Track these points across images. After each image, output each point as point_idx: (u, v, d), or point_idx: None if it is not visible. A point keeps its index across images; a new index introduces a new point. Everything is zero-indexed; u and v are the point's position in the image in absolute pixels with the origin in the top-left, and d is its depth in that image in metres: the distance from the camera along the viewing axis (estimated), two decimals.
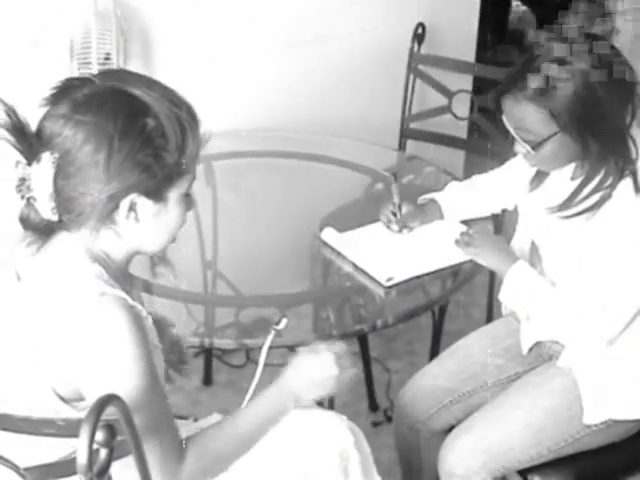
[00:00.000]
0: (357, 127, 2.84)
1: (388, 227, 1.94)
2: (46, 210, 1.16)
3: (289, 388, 1.36)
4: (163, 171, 1.17)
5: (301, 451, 1.41)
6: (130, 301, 1.17)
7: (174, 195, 1.22)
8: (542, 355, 1.82)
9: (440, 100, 2.68)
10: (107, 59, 2.26)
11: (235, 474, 1.36)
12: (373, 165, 2.38)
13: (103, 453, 0.90)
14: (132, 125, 1.14)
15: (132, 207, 1.19)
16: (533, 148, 1.55)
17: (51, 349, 1.17)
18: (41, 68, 2.28)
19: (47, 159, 1.13)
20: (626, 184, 1.52)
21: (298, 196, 2.27)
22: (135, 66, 2.37)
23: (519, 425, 1.67)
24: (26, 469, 1.05)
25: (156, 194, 1.20)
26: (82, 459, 0.87)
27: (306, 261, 2.01)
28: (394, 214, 1.93)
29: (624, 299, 1.55)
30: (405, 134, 2.80)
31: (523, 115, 1.53)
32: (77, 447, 0.87)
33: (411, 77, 2.75)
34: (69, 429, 1.04)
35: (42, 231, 1.21)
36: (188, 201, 1.27)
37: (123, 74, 1.24)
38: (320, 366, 1.36)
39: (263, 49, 2.71)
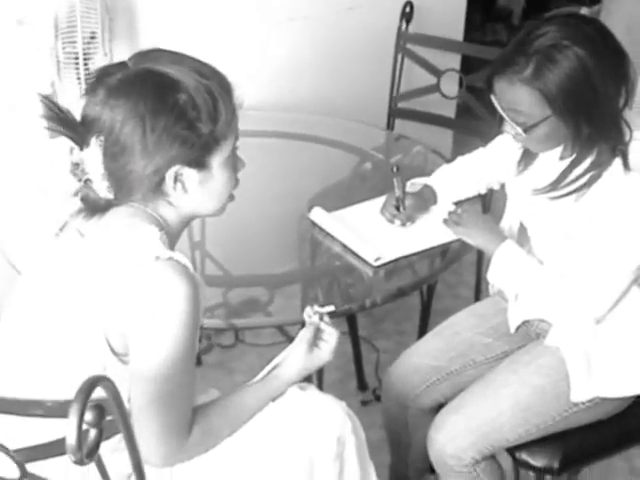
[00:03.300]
0: (345, 106, 2.83)
1: (392, 222, 1.92)
2: (102, 189, 1.24)
3: (287, 379, 1.45)
4: (200, 140, 1.24)
5: (299, 435, 1.42)
6: (192, 269, 1.24)
7: (217, 161, 1.29)
8: (530, 334, 1.82)
9: (428, 79, 2.68)
10: (92, 38, 2.24)
11: (234, 456, 1.38)
12: (361, 144, 2.38)
13: (92, 433, 0.90)
14: (163, 102, 1.21)
15: (177, 178, 1.26)
16: (525, 131, 1.55)
17: (110, 303, 1.22)
18: (26, 47, 2.26)
19: (95, 143, 1.22)
20: (615, 163, 1.52)
21: (286, 176, 2.26)
22: (120, 45, 2.35)
23: (507, 404, 1.67)
24: (15, 451, 1.05)
25: (198, 163, 1.26)
26: (71, 439, 0.87)
27: (294, 241, 2.01)
28: (397, 208, 1.91)
29: (612, 278, 1.55)
30: (393, 113, 2.80)
31: (516, 97, 1.52)
32: (66, 428, 0.87)
33: (399, 56, 2.74)
34: (58, 410, 1.03)
35: (102, 208, 1.29)
36: (235, 163, 1.35)
37: (155, 54, 1.30)
38: (315, 361, 1.46)
39: (249, 28, 2.69)
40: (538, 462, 1.69)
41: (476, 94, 2.55)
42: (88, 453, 0.90)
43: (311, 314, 1.48)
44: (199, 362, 2.71)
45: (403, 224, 1.91)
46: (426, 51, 2.71)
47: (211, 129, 1.25)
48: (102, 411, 0.88)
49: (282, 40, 2.78)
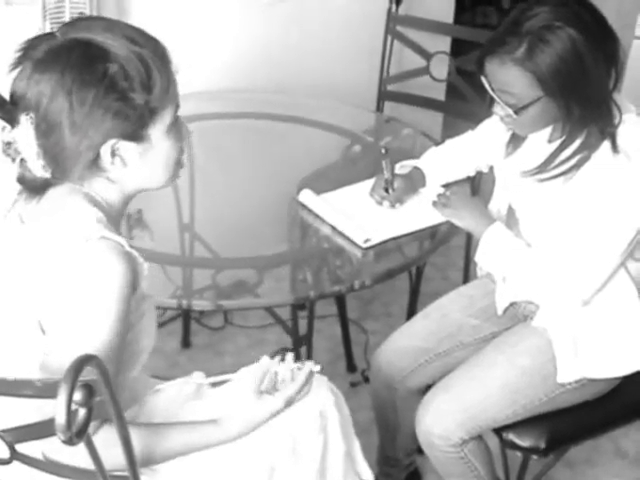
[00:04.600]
0: (335, 89, 2.82)
1: (381, 204, 1.92)
2: (37, 168, 1.19)
3: (229, 431, 1.29)
4: (135, 112, 1.18)
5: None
6: (127, 247, 1.20)
7: (156, 131, 1.22)
8: (517, 315, 1.83)
9: (418, 62, 2.67)
10: (81, 14, 2.23)
11: None
12: (351, 127, 2.37)
13: (82, 413, 0.90)
14: (91, 73, 1.14)
15: (114, 152, 1.20)
16: (516, 112, 1.54)
17: (44, 289, 1.18)
18: (13, 29, 2.24)
19: (25, 120, 1.16)
20: (604, 146, 1.53)
21: (275, 158, 2.26)
22: None
23: (495, 384, 1.69)
24: (4, 431, 1.05)
25: (135, 135, 1.20)
26: (61, 419, 0.87)
27: (284, 223, 2.01)
28: (386, 190, 1.91)
29: (600, 260, 1.56)
30: (383, 96, 2.79)
31: (507, 78, 1.51)
32: (55, 407, 0.87)
33: (389, 38, 2.73)
34: (47, 390, 1.04)
35: (39, 188, 1.24)
36: (178, 131, 1.28)
37: (84, 22, 1.22)
38: (264, 413, 1.30)
39: (240, 8, 2.67)
40: (525, 442, 1.71)
41: (466, 77, 2.55)
42: (78, 432, 0.90)
43: (269, 360, 1.33)
44: (188, 344, 2.71)
45: (392, 206, 1.91)
46: (416, 33, 2.70)
47: (146, 99, 1.18)
48: (91, 390, 0.89)
49: (271, 22, 2.76)
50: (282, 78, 2.77)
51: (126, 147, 1.20)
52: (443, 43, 2.89)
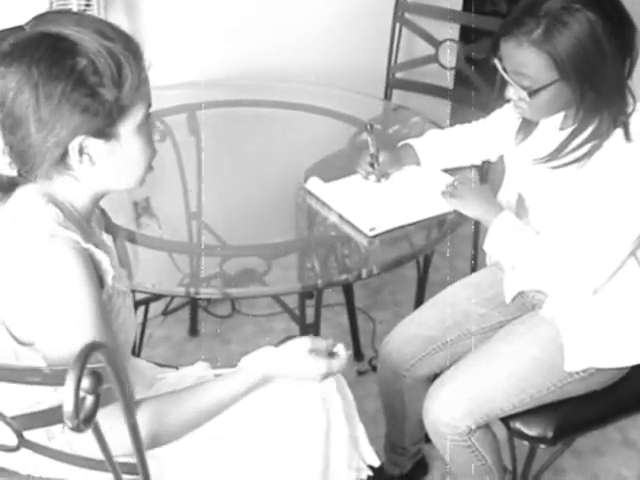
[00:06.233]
0: (343, 76, 2.81)
1: (366, 179, 1.94)
2: (3, 166, 1.17)
3: (266, 377, 1.33)
4: (104, 108, 1.15)
5: (283, 393, 1.41)
6: (83, 243, 1.16)
7: (126, 129, 1.19)
8: (525, 304, 1.83)
9: (427, 49, 2.66)
10: (88, 5, 2.22)
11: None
12: (359, 115, 2.36)
13: (89, 400, 0.90)
14: (59, 67, 1.11)
15: (82, 150, 1.17)
16: (529, 94, 1.53)
17: (5, 289, 1.17)
18: (20, 15, 2.24)
19: None
20: (617, 134, 1.51)
21: (283, 146, 2.25)
22: (117, 12, 2.32)
23: (503, 373, 1.68)
24: (13, 417, 1.06)
25: (104, 133, 1.17)
26: (68, 406, 0.87)
27: (291, 211, 2.01)
28: (371, 165, 1.92)
29: (610, 249, 1.55)
30: (391, 84, 2.79)
31: (523, 59, 1.50)
32: (63, 395, 0.87)
33: (397, 26, 2.72)
34: (55, 378, 1.04)
35: (6, 187, 1.22)
36: (149, 131, 1.25)
37: (54, 16, 1.19)
38: (308, 373, 1.33)
39: None
40: (532, 431, 1.71)
41: (474, 64, 2.53)
42: (85, 420, 0.90)
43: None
44: (195, 332, 2.72)
45: (378, 180, 1.93)
46: (424, 21, 2.69)
47: (116, 95, 1.15)
48: (99, 378, 0.89)
49: (280, 8, 2.75)
50: (290, 65, 2.76)
51: (94, 145, 1.17)
52: (451, 30, 2.88)
